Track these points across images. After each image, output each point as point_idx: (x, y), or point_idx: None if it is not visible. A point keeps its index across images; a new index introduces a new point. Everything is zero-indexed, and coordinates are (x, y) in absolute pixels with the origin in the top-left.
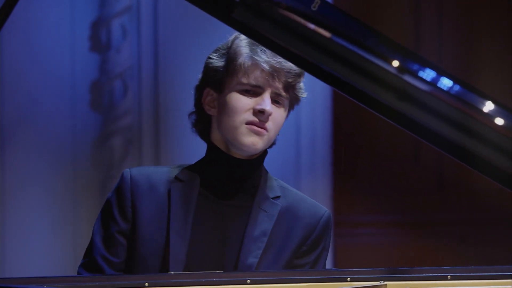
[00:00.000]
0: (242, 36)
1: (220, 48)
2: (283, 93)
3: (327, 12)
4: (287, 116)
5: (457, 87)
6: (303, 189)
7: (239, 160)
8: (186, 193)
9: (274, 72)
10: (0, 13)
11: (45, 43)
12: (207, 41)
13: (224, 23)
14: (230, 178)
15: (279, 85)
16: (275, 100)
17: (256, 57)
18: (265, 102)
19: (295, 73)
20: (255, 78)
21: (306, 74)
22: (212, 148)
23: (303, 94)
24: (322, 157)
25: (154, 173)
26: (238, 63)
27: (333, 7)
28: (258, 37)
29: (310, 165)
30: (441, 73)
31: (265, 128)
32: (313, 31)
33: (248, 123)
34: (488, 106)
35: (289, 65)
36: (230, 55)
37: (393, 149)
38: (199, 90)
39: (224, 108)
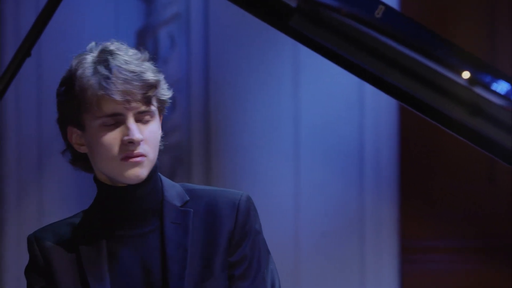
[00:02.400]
0: (85, 60)
1: (64, 80)
2: (147, 108)
3: (392, 20)
4: (161, 120)
5: None
6: (366, 213)
7: (129, 188)
8: (93, 237)
9: (129, 96)
10: (40, 18)
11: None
12: (262, 51)
13: (280, 32)
14: (128, 208)
15: (139, 104)
16: (140, 120)
17: (104, 89)
18: (131, 130)
19: (150, 83)
20: (111, 108)
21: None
22: (99, 184)
23: (167, 95)
24: (388, 178)
25: (58, 227)
26: (88, 99)
27: (399, 14)
28: (315, 46)
29: (375, 187)
30: None
31: (142, 155)
32: (377, 40)
33: (122, 158)
34: None
35: (141, 76)
36: (76, 90)
37: (465, 168)
38: (62, 127)
39: (91, 146)
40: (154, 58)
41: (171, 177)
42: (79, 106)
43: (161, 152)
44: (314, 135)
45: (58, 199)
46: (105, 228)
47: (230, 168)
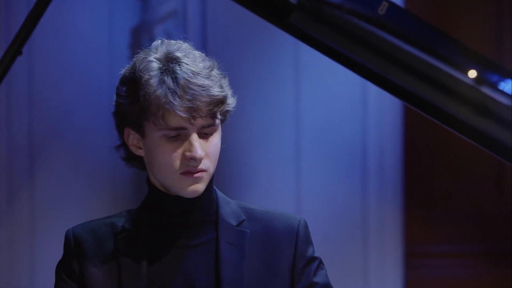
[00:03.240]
0: (152, 66)
1: (126, 80)
2: (211, 121)
3: (396, 17)
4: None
5: None
6: (369, 216)
7: (184, 199)
8: (135, 243)
9: (195, 113)
10: (32, 14)
11: (80, 51)
12: (262, 49)
13: (280, 29)
14: (179, 217)
15: (203, 120)
16: (204, 133)
17: (170, 104)
18: (195, 147)
19: (217, 99)
20: (175, 122)
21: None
22: (151, 188)
23: (232, 105)
24: (392, 181)
25: (98, 227)
26: (152, 109)
27: (403, 10)
28: (316, 44)
29: (378, 190)
30: None
31: (203, 170)
32: (380, 37)
33: (183, 173)
34: None
35: (209, 92)
36: (140, 96)
37: (471, 171)
38: (118, 125)
39: (151, 155)
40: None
41: None
42: (142, 113)
43: None
44: (315, 136)
45: (51, 202)
46: (151, 236)
47: (228, 171)
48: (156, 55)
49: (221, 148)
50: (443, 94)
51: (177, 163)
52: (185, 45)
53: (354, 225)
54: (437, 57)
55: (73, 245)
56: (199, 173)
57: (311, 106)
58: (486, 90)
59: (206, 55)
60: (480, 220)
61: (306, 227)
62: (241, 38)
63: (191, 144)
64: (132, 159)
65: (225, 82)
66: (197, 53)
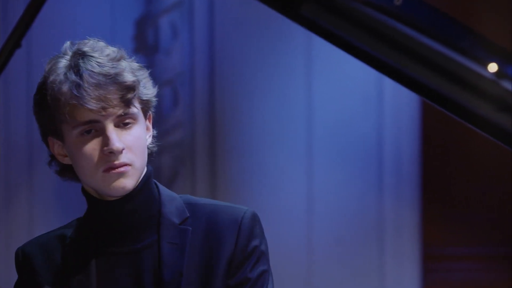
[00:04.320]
0: (57, 65)
1: (38, 87)
2: (127, 111)
3: (413, 7)
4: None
5: None
6: (385, 217)
7: (118, 201)
8: (82, 253)
9: (104, 102)
10: (31, 5)
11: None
12: (272, 42)
13: (291, 21)
14: (117, 223)
15: (116, 109)
16: (122, 123)
17: (76, 98)
18: (111, 139)
19: (127, 85)
20: (85, 116)
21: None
22: (87, 197)
23: (151, 93)
24: (409, 180)
25: (48, 241)
26: (60, 108)
27: (421, 1)
28: (329, 36)
29: (395, 190)
30: None
31: (126, 164)
32: (396, 29)
33: (105, 170)
34: None
35: (116, 79)
36: (49, 98)
37: (491, 169)
38: (43, 137)
39: (73, 159)
40: (155, 49)
41: (173, 179)
42: (53, 116)
43: (161, 152)
44: (328, 134)
45: (50, 204)
46: (96, 244)
47: (237, 169)
48: (65, 56)
49: (229, 146)
50: (462, 88)
51: (97, 160)
52: (94, 41)
53: (369, 226)
54: (456, 49)
55: (23, 263)
56: (122, 168)
57: (323, 102)
58: (507, 84)
59: (213, 46)
60: (502, 221)
61: (252, 219)
62: (250, 30)
63: (107, 137)
64: (64, 171)
65: (141, 73)
66: (109, 47)
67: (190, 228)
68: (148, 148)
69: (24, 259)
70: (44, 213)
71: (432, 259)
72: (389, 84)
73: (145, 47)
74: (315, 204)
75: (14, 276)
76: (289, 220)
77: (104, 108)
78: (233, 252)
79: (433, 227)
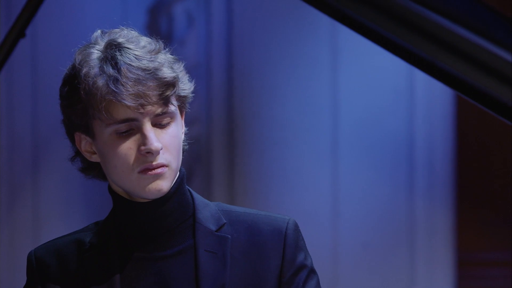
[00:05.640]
0: (90, 57)
1: (67, 79)
2: (165, 108)
3: None
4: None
5: None
6: (416, 220)
7: (151, 204)
8: (104, 260)
9: (142, 99)
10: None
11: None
12: (295, 31)
13: (315, 8)
14: (148, 225)
15: (155, 108)
16: (159, 123)
17: (113, 94)
18: (149, 139)
19: (167, 82)
20: (122, 114)
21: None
22: (115, 197)
23: (188, 89)
24: (442, 179)
25: (63, 247)
26: (95, 104)
27: None
28: (356, 25)
29: (427, 190)
30: None
31: (163, 165)
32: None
33: (140, 171)
34: None
35: (155, 74)
36: (81, 93)
37: None
38: (68, 132)
39: (104, 157)
40: (168, 38)
41: (188, 177)
42: (86, 111)
43: None
44: (355, 130)
45: (55, 204)
46: (120, 249)
47: (256, 169)
48: (96, 46)
49: (248, 144)
50: (500, 82)
51: (132, 160)
52: (128, 31)
53: (399, 230)
54: (493, 40)
55: (36, 269)
56: (159, 169)
57: (350, 96)
58: None
59: (231, 35)
60: None
61: (295, 230)
62: (271, 19)
63: (144, 136)
64: (90, 169)
65: (178, 66)
66: (143, 37)
67: (230, 236)
68: None
69: (37, 264)
70: (50, 213)
71: (467, 265)
72: (420, 77)
73: (157, 37)
74: (340, 206)
75: (18, 278)
76: (312, 223)
77: (142, 106)
78: (281, 266)
79: (468, 231)
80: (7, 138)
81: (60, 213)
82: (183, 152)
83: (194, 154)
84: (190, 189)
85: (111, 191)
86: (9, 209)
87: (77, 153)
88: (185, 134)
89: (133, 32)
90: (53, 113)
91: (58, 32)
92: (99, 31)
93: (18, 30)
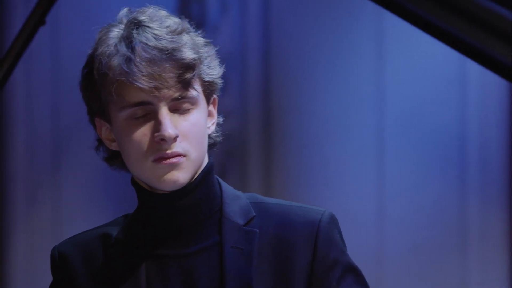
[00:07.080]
0: (109, 35)
1: (87, 60)
2: (184, 92)
3: None
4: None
5: None
6: (470, 222)
7: (172, 196)
8: (129, 257)
9: (157, 82)
10: None
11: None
12: (337, 17)
13: None
14: (170, 218)
15: (173, 91)
16: (178, 109)
17: (125, 74)
18: (163, 124)
19: (185, 63)
20: (135, 97)
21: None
22: (138, 189)
23: (215, 74)
24: (497, 178)
25: (88, 241)
26: (108, 84)
27: None
28: (403, 12)
29: (480, 189)
30: None
31: (179, 155)
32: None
33: (155, 159)
34: None
35: (173, 55)
36: (96, 73)
37: None
38: (90, 118)
39: (120, 144)
40: (201, 24)
41: (221, 175)
42: (99, 94)
43: (209, 144)
44: (402, 124)
45: (76, 203)
46: (146, 245)
47: (295, 166)
48: (119, 25)
49: (286, 139)
50: None
51: (146, 148)
52: (156, 10)
53: (450, 232)
54: None
55: (59, 265)
56: (174, 158)
57: (397, 87)
58: None
59: (268, 22)
60: None
61: (331, 222)
62: (312, 5)
63: (158, 122)
64: (113, 157)
65: (206, 50)
66: (171, 17)
67: (257, 231)
68: (211, 138)
69: (60, 260)
70: (71, 214)
71: None
72: (473, 67)
73: (189, 24)
74: (386, 207)
75: (39, 277)
76: (356, 225)
77: (157, 88)
78: (312, 262)
79: None
80: (25, 132)
81: (80, 210)
82: (215, 145)
83: (228, 150)
84: (220, 180)
85: (133, 182)
86: (28, 206)
87: (100, 142)
88: (219, 125)
89: (162, 11)
90: (74, 107)
91: (80, 19)
92: (125, 10)
93: (38, 17)
